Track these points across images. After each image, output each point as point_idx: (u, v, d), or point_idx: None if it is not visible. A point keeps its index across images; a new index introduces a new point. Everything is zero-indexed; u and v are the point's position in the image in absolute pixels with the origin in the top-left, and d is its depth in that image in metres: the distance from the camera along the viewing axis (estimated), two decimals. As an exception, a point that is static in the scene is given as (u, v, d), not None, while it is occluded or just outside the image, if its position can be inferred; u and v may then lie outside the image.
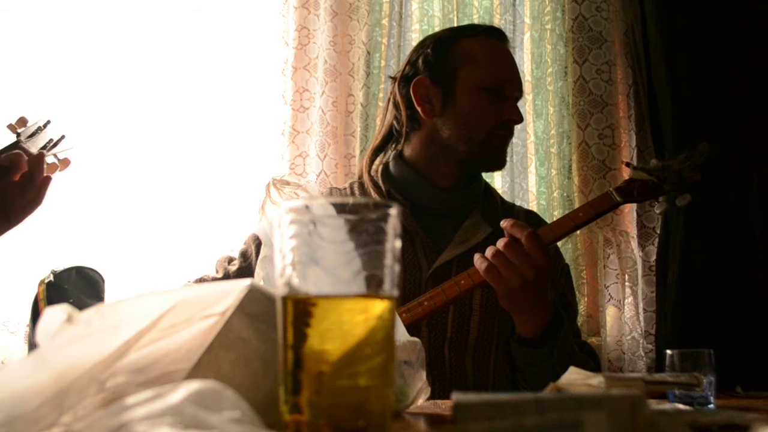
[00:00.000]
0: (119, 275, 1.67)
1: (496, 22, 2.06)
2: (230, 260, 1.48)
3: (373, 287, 0.50)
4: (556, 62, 2.04)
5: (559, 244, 1.54)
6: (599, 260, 1.96)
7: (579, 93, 2.01)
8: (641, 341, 1.91)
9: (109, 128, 1.87)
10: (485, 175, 1.60)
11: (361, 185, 1.52)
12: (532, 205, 2.02)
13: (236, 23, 2.02)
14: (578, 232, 1.84)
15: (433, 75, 1.46)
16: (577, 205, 1.93)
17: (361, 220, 0.50)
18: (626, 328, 1.93)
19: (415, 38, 2.04)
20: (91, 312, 0.52)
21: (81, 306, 0.52)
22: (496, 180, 1.99)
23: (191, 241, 1.87)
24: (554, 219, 1.86)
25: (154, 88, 1.93)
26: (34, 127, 1.22)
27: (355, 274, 0.49)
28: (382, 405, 0.50)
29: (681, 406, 0.93)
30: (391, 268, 0.51)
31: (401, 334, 0.84)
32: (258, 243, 1.43)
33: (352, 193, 1.52)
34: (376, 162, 1.53)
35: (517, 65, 1.53)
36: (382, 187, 1.47)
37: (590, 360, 1.42)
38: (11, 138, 1.20)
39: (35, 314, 1.38)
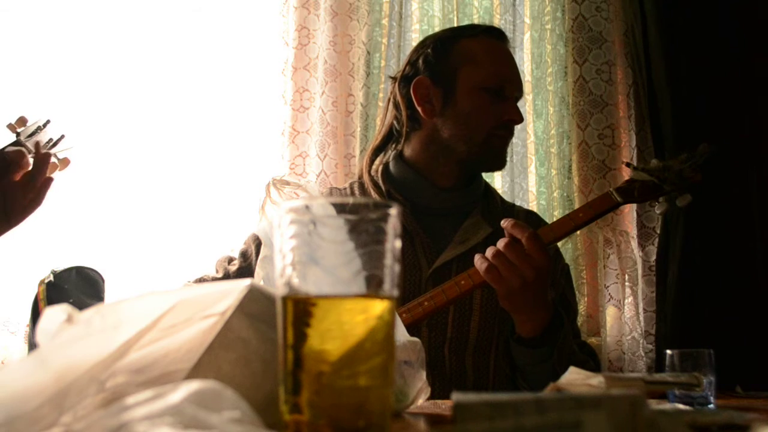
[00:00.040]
0: (119, 275, 1.67)
1: (496, 22, 2.06)
2: (230, 260, 1.48)
3: (373, 287, 0.50)
4: (556, 62, 2.04)
5: (559, 244, 1.54)
6: (599, 260, 1.96)
7: (579, 93, 2.01)
8: (641, 341, 1.91)
9: (109, 128, 1.87)
10: (485, 175, 1.60)
11: (361, 185, 1.52)
12: (532, 205, 2.02)
13: (236, 23, 2.02)
14: (578, 232, 1.84)
15: (433, 75, 1.46)
16: (577, 205, 1.93)
17: (361, 220, 0.50)
18: (626, 328, 1.93)
19: (415, 38, 2.04)
20: (91, 312, 0.52)
21: (81, 306, 0.52)
22: (496, 180, 1.99)
23: (191, 241, 1.87)
24: (554, 219, 1.86)
25: (154, 88, 1.93)
26: (34, 127, 1.22)
27: (355, 274, 0.49)
28: (382, 405, 0.50)
29: (681, 406, 0.93)
30: (391, 268, 0.51)
31: (401, 334, 0.84)
32: (258, 243, 1.43)
33: (352, 193, 1.52)
34: (376, 162, 1.53)
35: (517, 65, 1.53)
36: (382, 187, 1.47)
37: (590, 360, 1.42)
38: (11, 137, 1.20)
39: (35, 314, 1.38)
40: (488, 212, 1.48)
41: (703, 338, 1.77)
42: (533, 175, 2.06)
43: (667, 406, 0.93)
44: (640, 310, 1.93)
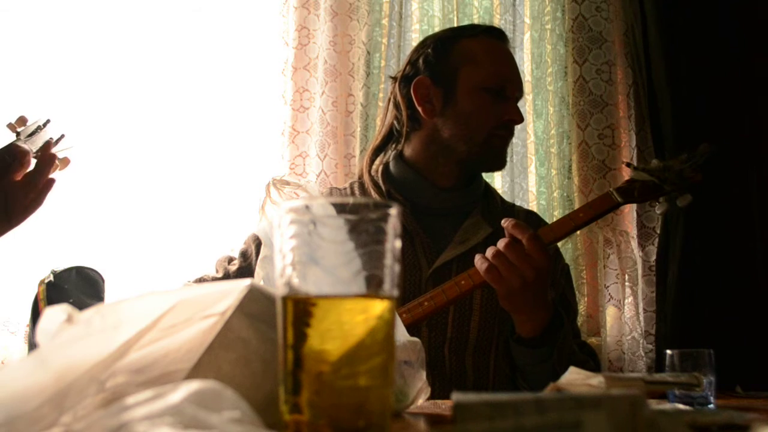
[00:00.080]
0: (119, 275, 1.67)
1: (496, 22, 2.06)
2: (230, 260, 1.48)
3: (373, 287, 0.50)
4: (556, 62, 2.04)
5: (559, 244, 1.54)
6: (599, 260, 1.96)
7: (579, 93, 2.01)
8: (641, 341, 1.91)
9: (109, 128, 1.87)
10: (485, 176, 1.60)
11: (362, 185, 1.52)
12: (532, 205, 2.02)
13: (236, 23, 2.02)
14: (578, 232, 1.84)
15: (433, 75, 1.46)
16: (577, 205, 1.93)
17: (361, 220, 0.50)
18: (626, 328, 1.93)
19: (415, 38, 2.04)
20: (91, 312, 0.52)
21: (81, 306, 0.52)
22: (496, 180, 1.99)
23: (191, 241, 1.87)
24: (554, 219, 1.86)
25: (154, 88, 1.93)
26: (34, 126, 1.21)
27: (355, 274, 0.49)
28: (382, 405, 0.50)
29: (681, 406, 0.93)
30: (391, 268, 0.51)
31: (401, 334, 0.84)
32: (258, 243, 1.43)
33: (352, 193, 1.52)
34: (377, 162, 1.53)
35: (517, 65, 1.53)
36: (383, 187, 1.47)
37: (590, 360, 1.42)
38: (11, 137, 1.20)
39: (35, 314, 1.38)
40: (488, 212, 1.48)
41: (703, 338, 1.77)
42: (533, 175, 2.06)
43: (667, 406, 0.93)
44: (640, 310, 1.93)
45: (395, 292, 0.51)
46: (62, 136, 1.26)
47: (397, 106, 1.50)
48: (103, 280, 1.44)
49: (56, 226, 1.75)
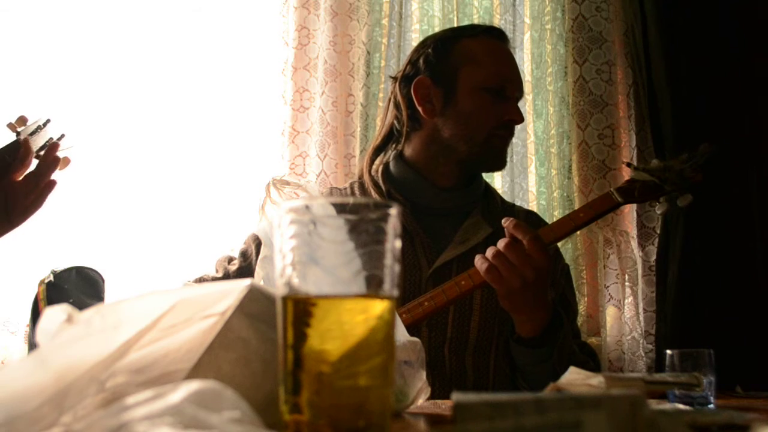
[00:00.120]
0: (119, 275, 1.67)
1: (496, 22, 2.06)
2: (230, 260, 1.48)
3: (373, 287, 0.50)
4: (556, 62, 2.04)
5: (559, 244, 1.54)
6: (599, 260, 1.96)
7: (579, 93, 2.01)
8: (641, 341, 1.91)
9: (109, 128, 1.87)
10: (485, 176, 1.60)
11: (362, 185, 1.52)
12: (532, 205, 2.02)
13: (236, 23, 2.02)
14: (578, 232, 1.84)
15: (434, 75, 1.46)
16: (577, 205, 1.93)
17: (361, 220, 0.50)
18: (626, 328, 1.93)
19: (415, 38, 2.04)
20: (91, 312, 0.52)
21: (81, 306, 0.52)
22: (496, 180, 1.99)
23: (191, 241, 1.87)
24: (554, 219, 1.86)
25: (154, 88, 1.93)
26: (34, 126, 1.21)
27: (355, 274, 0.49)
28: (382, 405, 0.50)
29: (681, 406, 0.93)
30: (391, 268, 0.51)
31: (401, 334, 0.84)
32: (258, 243, 1.43)
33: (353, 193, 1.52)
34: (377, 162, 1.53)
35: (518, 65, 1.53)
36: (383, 187, 1.47)
37: (590, 360, 1.42)
38: (11, 137, 1.20)
39: (35, 314, 1.38)
40: (488, 212, 1.48)
41: (703, 338, 1.77)
42: (533, 175, 2.06)
43: (667, 406, 0.93)
44: (640, 310, 1.93)
45: (395, 292, 0.51)
46: (62, 135, 1.26)
47: (397, 106, 1.50)
48: (103, 280, 1.44)
49: (56, 226, 1.75)
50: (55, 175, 1.23)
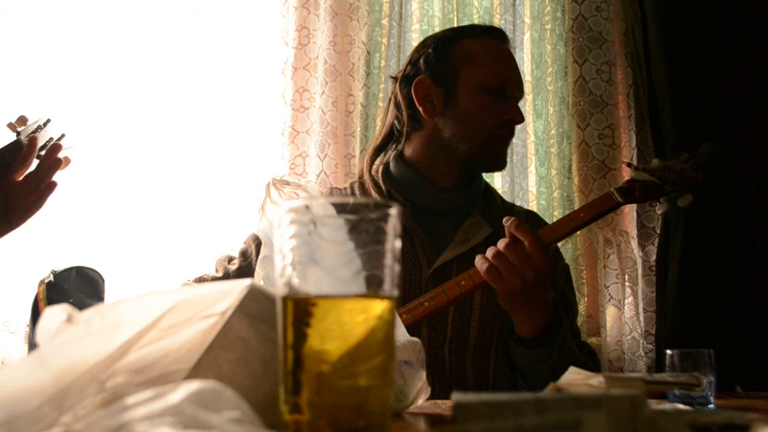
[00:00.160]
0: (119, 275, 1.67)
1: (496, 22, 2.06)
2: (230, 259, 1.48)
3: (373, 287, 0.50)
4: (556, 62, 2.04)
5: (559, 244, 1.54)
6: (599, 260, 1.96)
7: (579, 93, 2.01)
8: (641, 341, 1.91)
9: (110, 128, 1.87)
10: (485, 176, 1.60)
11: (362, 185, 1.52)
12: (532, 205, 2.02)
13: (236, 23, 2.02)
14: (578, 232, 1.84)
15: (434, 75, 1.46)
16: (577, 205, 1.93)
17: (361, 220, 0.50)
18: (626, 328, 1.93)
19: (415, 38, 2.04)
20: (91, 312, 0.52)
21: (81, 306, 0.52)
22: (496, 180, 1.99)
23: (191, 241, 1.87)
24: (554, 219, 1.86)
25: (154, 88, 1.93)
26: (34, 126, 1.21)
27: (355, 274, 0.49)
28: (382, 405, 0.50)
29: (681, 406, 0.93)
30: (391, 268, 0.51)
31: (401, 334, 0.84)
32: (258, 242, 1.43)
33: (353, 193, 1.52)
34: (377, 162, 1.53)
35: (518, 65, 1.53)
36: (383, 187, 1.47)
37: (590, 360, 1.42)
38: (11, 137, 1.20)
39: (35, 314, 1.38)
40: (488, 212, 1.49)
41: (703, 338, 1.77)
42: (533, 175, 2.06)
43: (667, 406, 0.93)
44: (640, 310, 1.93)
45: (395, 292, 0.51)
46: (62, 135, 1.26)
47: (397, 106, 1.50)
48: (103, 280, 1.44)
49: (56, 226, 1.75)
50: (55, 175, 1.23)
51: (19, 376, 0.49)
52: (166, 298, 0.55)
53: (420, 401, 0.83)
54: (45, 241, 1.74)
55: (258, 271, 1.12)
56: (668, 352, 1.02)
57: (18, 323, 1.75)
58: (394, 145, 1.53)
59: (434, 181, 1.48)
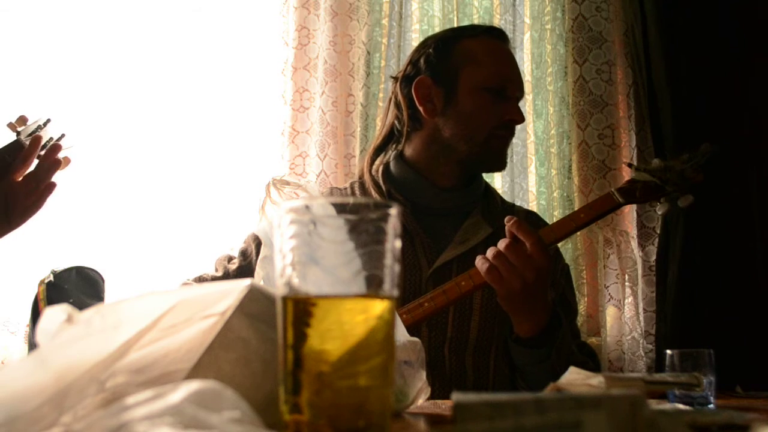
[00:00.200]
0: (119, 275, 1.67)
1: (496, 22, 2.06)
2: (230, 259, 1.48)
3: (373, 287, 0.50)
4: (556, 62, 2.04)
5: (559, 244, 1.54)
6: (599, 260, 1.96)
7: (579, 93, 2.01)
8: (641, 341, 1.91)
9: (110, 128, 1.87)
10: (485, 176, 1.60)
11: (362, 185, 1.52)
12: (532, 205, 2.02)
13: (236, 23, 2.02)
14: (578, 232, 1.84)
15: (434, 75, 1.46)
16: (577, 205, 1.93)
17: (361, 220, 0.50)
18: (626, 328, 1.93)
19: (415, 38, 2.04)
20: (91, 312, 0.52)
21: (81, 306, 0.52)
22: (496, 180, 1.99)
23: (191, 240, 1.87)
24: (554, 219, 1.86)
25: (154, 88, 1.93)
26: (34, 126, 1.21)
27: (355, 274, 0.49)
28: (382, 405, 0.50)
29: (681, 406, 0.93)
30: (391, 268, 0.51)
31: (401, 334, 0.84)
32: (258, 242, 1.43)
33: (353, 193, 1.52)
34: (377, 162, 1.53)
35: (518, 65, 1.53)
36: (383, 187, 1.47)
37: (589, 361, 1.42)
38: (11, 137, 1.20)
39: (35, 314, 1.38)
40: (488, 212, 1.49)
41: (703, 338, 1.77)
42: (533, 175, 2.06)
43: (667, 406, 0.93)
44: (640, 310, 1.93)
45: (395, 292, 0.51)
46: (62, 135, 1.26)
47: (398, 105, 1.50)
48: (103, 280, 1.44)
49: (56, 226, 1.75)
50: (55, 175, 1.23)
51: (19, 376, 0.49)
52: (166, 298, 0.55)
53: (420, 401, 0.83)
54: (45, 241, 1.74)
55: (258, 271, 1.12)
56: (668, 352, 1.02)
57: (18, 323, 1.75)
58: (394, 145, 1.53)
59: (434, 181, 1.48)
